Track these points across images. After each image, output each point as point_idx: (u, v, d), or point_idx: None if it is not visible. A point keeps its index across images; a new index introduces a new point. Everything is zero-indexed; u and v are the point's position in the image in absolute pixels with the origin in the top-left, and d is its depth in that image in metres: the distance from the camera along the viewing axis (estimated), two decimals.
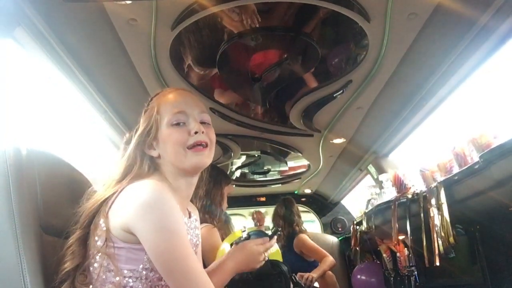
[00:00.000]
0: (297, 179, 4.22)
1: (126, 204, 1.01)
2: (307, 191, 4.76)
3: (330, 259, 3.19)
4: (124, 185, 1.07)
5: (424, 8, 1.57)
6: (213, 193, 2.28)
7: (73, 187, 1.28)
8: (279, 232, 1.44)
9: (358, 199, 4.13)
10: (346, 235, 4.28)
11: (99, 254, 1.00)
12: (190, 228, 1.18)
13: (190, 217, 1.22)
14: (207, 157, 1.15)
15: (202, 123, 1.18)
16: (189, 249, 1.01)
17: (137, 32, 1.67)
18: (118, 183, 1.09)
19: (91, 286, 1.00)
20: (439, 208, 1.89)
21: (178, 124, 1.14)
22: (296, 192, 4.80)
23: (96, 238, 1.02)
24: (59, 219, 1.17)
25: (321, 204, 4.88)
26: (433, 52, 1.85)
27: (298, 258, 3.28)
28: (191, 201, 1.30)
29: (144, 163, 1.14)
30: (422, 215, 2.02)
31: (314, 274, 3.06)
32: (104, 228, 1.01)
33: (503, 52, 1.75)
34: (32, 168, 1.09)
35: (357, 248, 3.39)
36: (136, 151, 1.15)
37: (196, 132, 1.13)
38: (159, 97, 1.21)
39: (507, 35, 1.64)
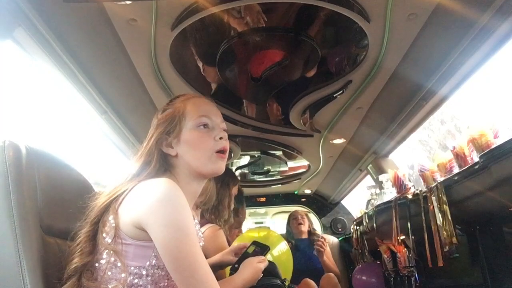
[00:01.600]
0: (297, 179, 4.22)
1: (140, 200, 1.03)
2: (307, 191, 4.76)
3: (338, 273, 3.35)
4: (135, 183, 1.08)
5: (424, 8, 1.57)
6: (221, 194, 2.27)
7: (73, 187, 1.28)
8: (269, 248, 1.60)
9: (359, 198, 4.13)
10: (346, 236, 4.28)
11: (107, 251, 1.01)
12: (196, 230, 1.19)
13: (193, 219, 1.23)
14: (224, 163, 1.21)
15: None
16: (198, 247, 1.02)
17: (137, 32, 1.67)
18: (132, 180, 1.10)
19: (97, 282, 1.00)
20: (439, 208, 1.89)
21: (204, 127, 1.19)
22: (296, 192, 4.80)
23: (104, 235, 1.03)
24: (59, 219, 1.17)
25: (321, 205, 4.88)
26: (433, 52, 1.85)
27: (316, 259, 3.42)
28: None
29: (158, 161, 1.16)
30: (423, 215, 2.02)
31: (326, 257, 3.33)
32: (113, 225, 1.02)
33: (503, 53, 1.75)
34: (32, 168, 1.09)
35: (358, 249, 3.39)
36: (155, 148, 1.16)
37: (221, 138, 1.19)
38: (184, 100, 1.24)
39: (507, 36, 1.63)
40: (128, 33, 1.68)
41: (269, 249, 1.59)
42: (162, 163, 1.17)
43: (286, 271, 1.82)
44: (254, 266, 1.37)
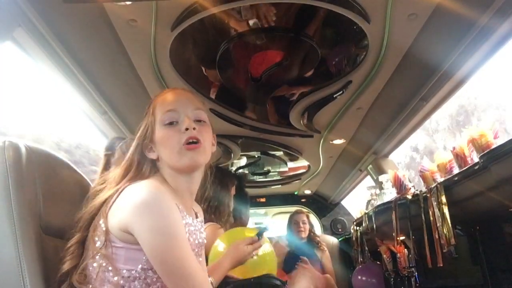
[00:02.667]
0: (297, 180, 4.22)
1: (124, 205, 1.01)
2: (307, 192, 4.76)
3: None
4: (123, 186, 1.07)
5: (424, 8, 1.57)
6: (221, 195, 2.29)
7: (73, 187, 1.28)
8: (266, 229, 1.67)
9: (359, 197, 4.13)
10: (346, 236, 4.28)
11: (98, 255, 1.00)
12: (196, 229, 1.17)
13: (196, 217, 1.22)
14: (200, 154, 1.12)
15: (198, 121, 1.15)
16: (186, 249, 1.00)
17: (137, 33, 1.67)
18: (117, 185, 1.09)
19: (90, 286, 1.00)
20: (439, 208, 1.89)
21: (171, 123, 1.13)
22: (296, 193, 4.79)
23: (96, 238, 1.02)
24: (59, 219, 1.17)
25: (321, 205, 4.87)
26: (433, 53, 1.85)
27: (314, 262, 3.45)
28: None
29: (144, 166, 1.14)
30: (423, 215, 2.02)
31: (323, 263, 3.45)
32: (104, 229, 1.01)
33: (503, 53, 1.75)
34: (32, 168, 1.09)
35: (358, 249, 3.39)
36: (135, 154, 1.14)
37: (186, 129, 1.10)
38: (156, 99, 1.21)
39: (507, 36, 1.63)
40: (128, 34, 1.68)
41: (265, 230, 1.64)
42: (152, 167, 1.15)
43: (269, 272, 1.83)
44: (239, 249, 1.53)
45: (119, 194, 1.05)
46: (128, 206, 1.00)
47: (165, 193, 1.01)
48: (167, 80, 2.06)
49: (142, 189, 1.01)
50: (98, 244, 1.01)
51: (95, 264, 1.00)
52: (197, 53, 2.08)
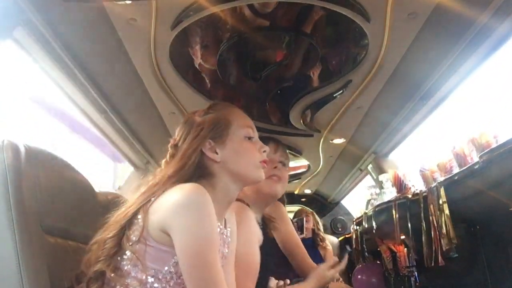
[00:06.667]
0: (297, 179, 4.21)
1: (167, 204, 1.03)
2: (307, 191, 4.75)
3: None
4: (169, 186, 1.07)
5: (424, 7, 1.57)
6: None
7: (73, 186, 1.28)
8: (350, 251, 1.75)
9: (359, 196, 4.13)
10: (346, 236, 4.28)
11: (130, 249, 1.02)
12: (223, 236, 1.19)
13: (225, 227, 1.23)
14: (265, 173, 1.26)
15: None
16: (216, 258, 1.02)
17: (137, 32, 1.67)
18: (166, 183, 1.09)
19: (121, 276, 1.01)
20: (439, 208, 1.90)
21: (250, 138, 1.23)
22: (296, 192, 4.79)
23: (131, 232, 1.04)
24: (60, 219, 1.17)
25: (321, 204, 4.87)
26: (433, 52, 1.85)
27: (318, 259, 3.38)
28: None
29: (196, 165, 1.14)
30: (422, 215, 2.02)
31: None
32: (141, 223, 1.03)
33: (502, 52, 1.75)
34: (31, 167, 1.09)
35: (358, 249, 3.39)
36: (195, 152, 1.15)
37: (264, 151, 1.25)
38: (228, 108, 1.29)
39: (507, 35, 1.64)
40: (127, 33, 1.68)
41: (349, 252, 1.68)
42: (201, 168, 1.15)
43: None
44: (325, 273, 1.66)
45: (162, 193, 1.06)
46: (170, 206, 1.02)
47: (208, 197, 1.03)
48: (167, 79, 2.06)
49: (187, 191, 1.03)
50: (133, 237, 1.03)
51: (125, 257, 1.03)
52: (197, 52, 2.08)
